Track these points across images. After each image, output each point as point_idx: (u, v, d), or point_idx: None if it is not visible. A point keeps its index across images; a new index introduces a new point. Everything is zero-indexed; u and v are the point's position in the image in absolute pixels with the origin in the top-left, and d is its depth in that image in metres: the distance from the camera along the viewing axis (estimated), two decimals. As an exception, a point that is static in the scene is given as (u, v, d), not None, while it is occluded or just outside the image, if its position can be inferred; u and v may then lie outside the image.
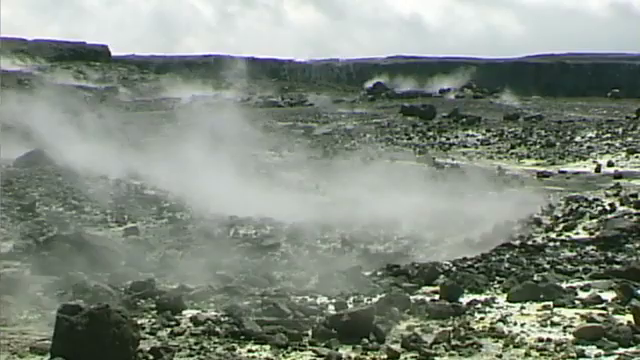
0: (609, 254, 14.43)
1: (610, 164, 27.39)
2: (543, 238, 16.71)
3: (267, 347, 8.35)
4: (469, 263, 13.82)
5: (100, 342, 7.36)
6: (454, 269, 13.15)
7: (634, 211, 17.87)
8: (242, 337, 8.60)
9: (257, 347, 8.37)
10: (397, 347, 8.33)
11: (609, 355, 8.14)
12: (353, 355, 8.15)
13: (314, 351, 8.21)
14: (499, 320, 9.53)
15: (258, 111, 49.28)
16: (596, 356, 8.11)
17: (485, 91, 57.93)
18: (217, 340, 8.54)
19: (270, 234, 17.70)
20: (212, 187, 21.28)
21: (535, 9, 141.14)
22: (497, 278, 12.29)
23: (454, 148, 34.16)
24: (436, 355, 8.20)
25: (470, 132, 37.87)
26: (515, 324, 9.37)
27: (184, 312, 9.80)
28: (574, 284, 11.69)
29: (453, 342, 8.53)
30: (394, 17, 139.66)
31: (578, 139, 34.40)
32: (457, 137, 36.80)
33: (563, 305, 10.21)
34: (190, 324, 9.18)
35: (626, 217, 17.25)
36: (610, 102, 53.42)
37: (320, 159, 29.39)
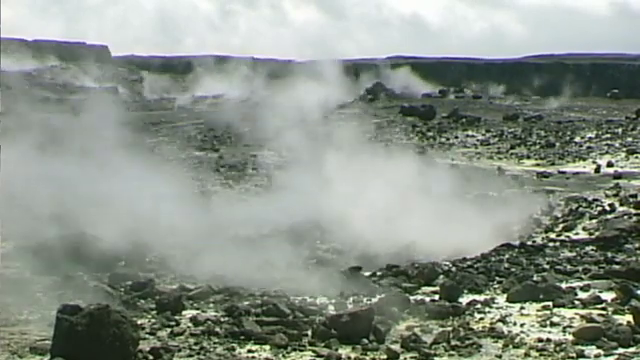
0: (609, 254, 14.43)
1: (610, 164, 27.37)
2: (543, 238, 16.72)
3: (267, 347, 8.37)
4: (469, 263, 13.83)
5: (100, 342, 7.37)
6: (454, 269, 13.16)
7: (634, 211, 17.88)
8: (242, 337, 8.62)
9: (257, 347, 8.38)
10: (397, 347, 8.35)
11: (609, 355, 8.16)
12: (353, 355, 8.16)
13: (314, 351, 8.23)
14: (499, 320, 9.54)
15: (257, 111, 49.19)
16: (596, 356, 8.13)
17: (485, 91, 57.92)
18: (217, 340, 8.55)
19: (270, 234, 17.66)
20: (211, 187, 21.27)
21: (535, 9, 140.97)
22: (497, 278, 12.31)
23: (454, 148, 34.14)
24: (436, 355, 8.21)
25: (470, 132, 37.83)
26: (515, 324, 9.39)
27: (184, 312, 9.82)
28: (574, 284, 11.71)
29: (453, 342, 8.55)
30: (395, 17, 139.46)
31: (578, 139, 34.39)
32: (457, 137, 36.77)
33: (563, 305, 10.23)
34: (190, 324, 9.20)
35: (626, 217, 17.26)
36: (610, 102, 53.37)
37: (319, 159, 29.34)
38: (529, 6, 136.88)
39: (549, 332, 9.04)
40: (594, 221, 17.56)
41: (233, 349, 8.28)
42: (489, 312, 10.03)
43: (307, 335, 8.72)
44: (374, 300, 10.45)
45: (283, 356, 8.16)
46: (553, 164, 29.31)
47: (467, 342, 8.54)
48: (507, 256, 14.52)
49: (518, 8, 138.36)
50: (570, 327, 9.12)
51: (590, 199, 20.05)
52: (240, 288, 11.28)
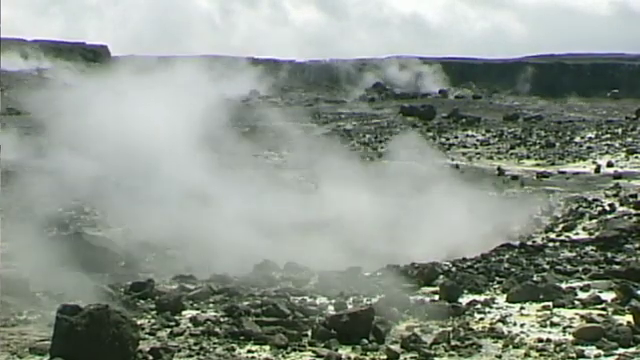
0: (609, 254, 14.44)
1: (610, 164, 27.39)
2: (543, 238, 16.72)
3: (267, 347, 8.36)
4: (469, 263, 13.83)
5: (100, 342, 7.36)
6: (454, 269, 13.16)
7: (633, 211, 17.89)
8: (242, 337, 8.61)
9: (257, 347, 8.37)
10: (396, 347, 8.34)
11: (609, 355, 8.15)
12: (352, 355, 8.16)
13: (314, 351, 8.22)
14: (499, 320, 9.54)
15: (257, 111, 49.19)
16: (596, 356, 8.12)
17: (484, 91, 57.97)
18: (217, 340, 8.55)
19: (269, 234, 17.66)
20: (211, 187, 21.23)
21: (535, 9, 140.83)
22: (497, 278, 12.31)
23: (454, 148, 34.14)
24: (435, 355, 8.21)
25: (470, 132, 37.86)
26: (515, 324, 9.39)
27: (184, 312, 9.82)
28: (574, 284, 11.70)
29: (453, 342, 8.54)
30: (395, 17, 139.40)
31: (578, 139, 34.41)
32: (457, 137, 36.79)
33: (563, 305, 10.23)
34: (190, 324, 9.19)
35: (626, 217, 17.26)
36: (610, 102, 53.42)
37: (320, 160, 29.33)
38: (529, 6, 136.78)
39: (549, 332, 9.04)
40: (594, 221, 17.57)
41: (233, 349, 8.27)
42: (489, 312, 10.02)
43: (307, 335, 8.72)
44: (374, 300, 10.45)
45: (283, 356, 8.15)
46: (553, 164, 29.32)
47: (467, 342, 8.54)
48: (507, 256, 14.52)
49: (518, 8, 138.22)
50: (570, 327, 9.11)
51: (590, 199, 20.07)
52: (240, 288, 11.28)
